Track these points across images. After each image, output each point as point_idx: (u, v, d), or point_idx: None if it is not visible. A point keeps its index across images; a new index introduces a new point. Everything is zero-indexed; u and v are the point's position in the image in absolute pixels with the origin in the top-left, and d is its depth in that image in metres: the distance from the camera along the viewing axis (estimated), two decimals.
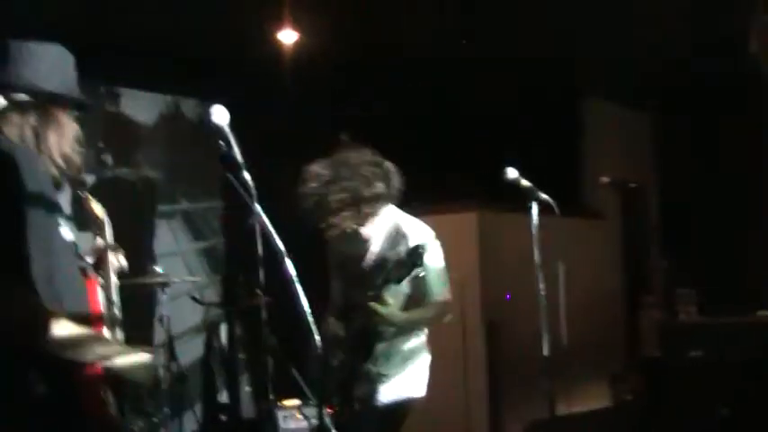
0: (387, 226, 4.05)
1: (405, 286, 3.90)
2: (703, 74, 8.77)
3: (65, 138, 2.52)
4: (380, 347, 3.95)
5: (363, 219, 3.94)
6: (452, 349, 7.26)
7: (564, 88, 9.24)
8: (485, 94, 8.41)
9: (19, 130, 2.43)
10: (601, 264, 9.57)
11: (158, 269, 6.02)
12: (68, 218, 2.53)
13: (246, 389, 6.15)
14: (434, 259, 3.96)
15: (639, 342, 9.11)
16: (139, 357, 2.48)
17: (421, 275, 3.83)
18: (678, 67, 8.71)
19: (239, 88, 7.12)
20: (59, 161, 2.50)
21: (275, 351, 5.32)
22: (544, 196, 4.13)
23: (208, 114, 2.66)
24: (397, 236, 4.01)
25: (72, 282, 2.43)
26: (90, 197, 3.19)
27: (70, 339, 2.26)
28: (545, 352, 4.12)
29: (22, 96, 2.45)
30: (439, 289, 3.99)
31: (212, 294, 7.45)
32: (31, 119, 2.46)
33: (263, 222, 2.64)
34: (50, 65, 2.54)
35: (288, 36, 7.34)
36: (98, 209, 3.17)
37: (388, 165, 4.00)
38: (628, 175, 9.91)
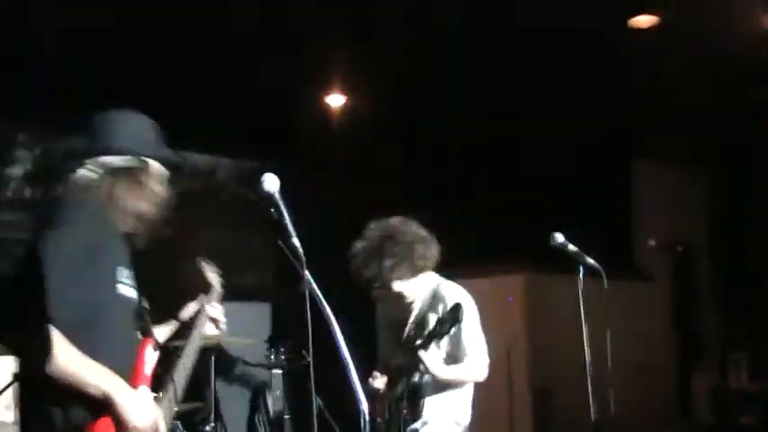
0: (427, 289, 4.16)
1: (443, 346, 4.01)
2: (755, 134, 8.74)
3: (143, 197, 2.72)
4: (427, 406, 4.00)
5: (406, 281, 4.07)
6: (500, 413, 7.20)
7: (615, 149, 9.24)
8: (534, 157, 8.44)
9: (100, 190, 2.65)
10: (651, 327, 9.45)
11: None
12: (132, 276, 2.71)
13: None
14: (470, 320, 4.02)
15: (691, 407, 8.96)
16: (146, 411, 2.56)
17: (459, 335, 3.95)
18: (730, 128, 8.68)
19: (289, 152, 7.24)
20: (133, 220, 2.71)
21: (321, 412, 5.35)
22: (591, 261, 4.12)
23: (259, 182, 2.72)
24: (435, 298, 4.11)
25: (114, 334, 2.58)
26: (205, 263, 3.43)
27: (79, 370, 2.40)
28: (592, 417, 4.08)
29: (107, 160, 2.70)
30: (475, 347, 4.03)
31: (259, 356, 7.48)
32: (111, 180, 2.67)
33: (313, 289, 2.69)
34: (130, 131, 2.78)
35: (336, 100, 7.47)
36: (211, 275, 3.33)
37: (428, 235, 4.15)
38: (680, 237, 9.83)
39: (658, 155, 9.92)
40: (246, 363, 6.03)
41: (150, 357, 2.74)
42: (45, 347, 2.35)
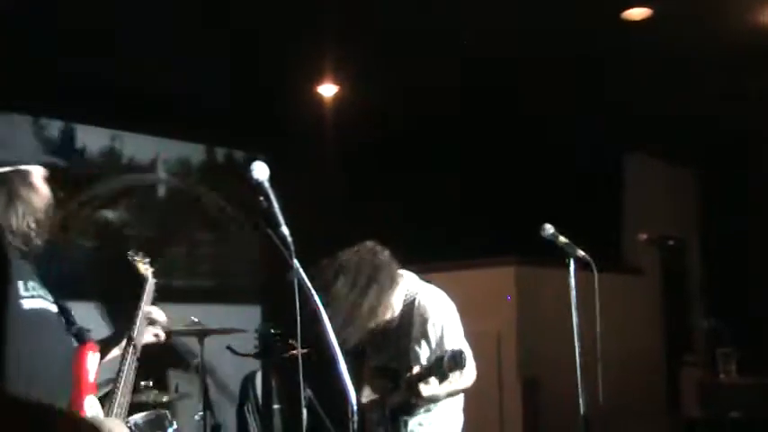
0: (405, 296, 4.04)
1: (425, 354, 3.95)
2: (749, 130, 8.75)
3: (27, 208, 2.54)
4: (419, 414, 3.98)
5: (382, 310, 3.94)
6: (489, 405, 7.20)
7: (607, 143, 9.24)
8: (526, 150, 8.43)
9: None
10: (640, 320, 9.47)
11: (194, 319, 6.07)
12: (39, 286, 2.55)
13: None
14: (453, 328, 3.97)
15: (679, 401, 8.98)
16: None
17: (442, 345, 3.88)
18: (723, 124, 8.68)
19: (279, 142, 7.23)
20: (23, 233, 2.53)
21: (310, 403, 5.34)
22: (581, 253, 4.11)
23: (248, 170, 2.70)
24: (414, 309, 4.00)
25: (32, 354, 2.42)
26: (137, 257, 3.30)
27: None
28: (582, 410, 4.08)
29: None
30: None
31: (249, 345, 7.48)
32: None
33: (302, 277, 2.67)
34: (2, 137, 2.57)
35: (327, 90, 7.43)
36: (143, 268, 3.22)
37: (380, 259, 3.97)
38: (671, 231, 9.84)
39: (650, 148, 9.93)
40: (234, 352, 6.01)
41: (93, 363, 2.59)
42: None
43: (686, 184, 10.98)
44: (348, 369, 2.69)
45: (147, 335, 3.00)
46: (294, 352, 5.45)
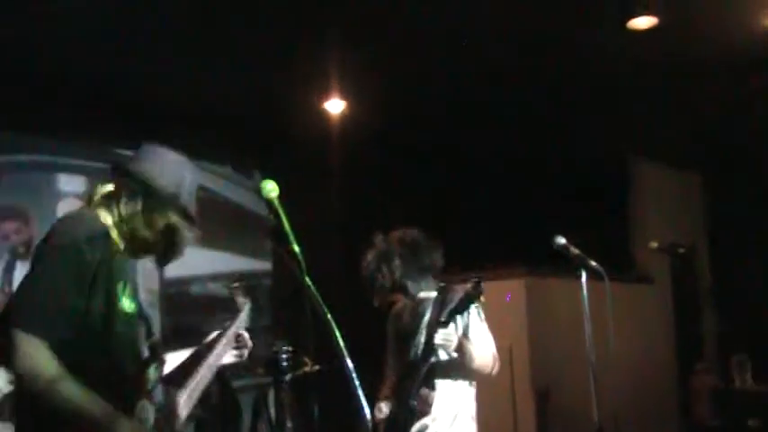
0: (433, 296, 4.11)
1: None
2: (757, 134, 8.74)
3: (155, 225, 2.74)
4: (437, 400, 3.96)
5: (416, 283, 4.14)
6: (502, 416, 7.18)
7: (614, 151, 9.22)
8: (534, 160, 8.43)
9: (122, 207, 2.71)
10: (652, 329, 9.43)
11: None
12: (136, 292, 2.74)
13: None
14: (477, 318, 4.04)
15: (692, 409, 8.94)
16: None
17: (467, 329, 3.97)
18: (729, 128, 8.67)
19: (288, 159, 7.23)
20: (143, 243, 2.74)
21: (321, 419, 5.32)
22: (593, 264, 4.11)
23: (258, 188, 2.73)
24: (445, 302, 4.04)
25: (109, 348, 2.58)
26: (238, 287, 3.43)
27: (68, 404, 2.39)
28: (595, 419, 4.07)
29: (136, 185, 2.74)
30: (484, 339, 4.04)
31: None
32: (136, 204, 2.72)
33: (313, 295, 2.67)
34: (161, 166, 2.83)
35: (334, 105, 7.42)
36: (240, 300, 3.32)
37: (431, 239, 4.22)
38: (680, 238, 9.81)
39: (658, 156, 9.92)
40: (249, 369, 6.00)
41: (153, 374, 2.74)
42: (9, 352, 2.36)
43: (694, 190, 10.96)
44: (361, 385, 2.68)
45: (228, 356, 3.18)
46: (307, 369, 5.46)
